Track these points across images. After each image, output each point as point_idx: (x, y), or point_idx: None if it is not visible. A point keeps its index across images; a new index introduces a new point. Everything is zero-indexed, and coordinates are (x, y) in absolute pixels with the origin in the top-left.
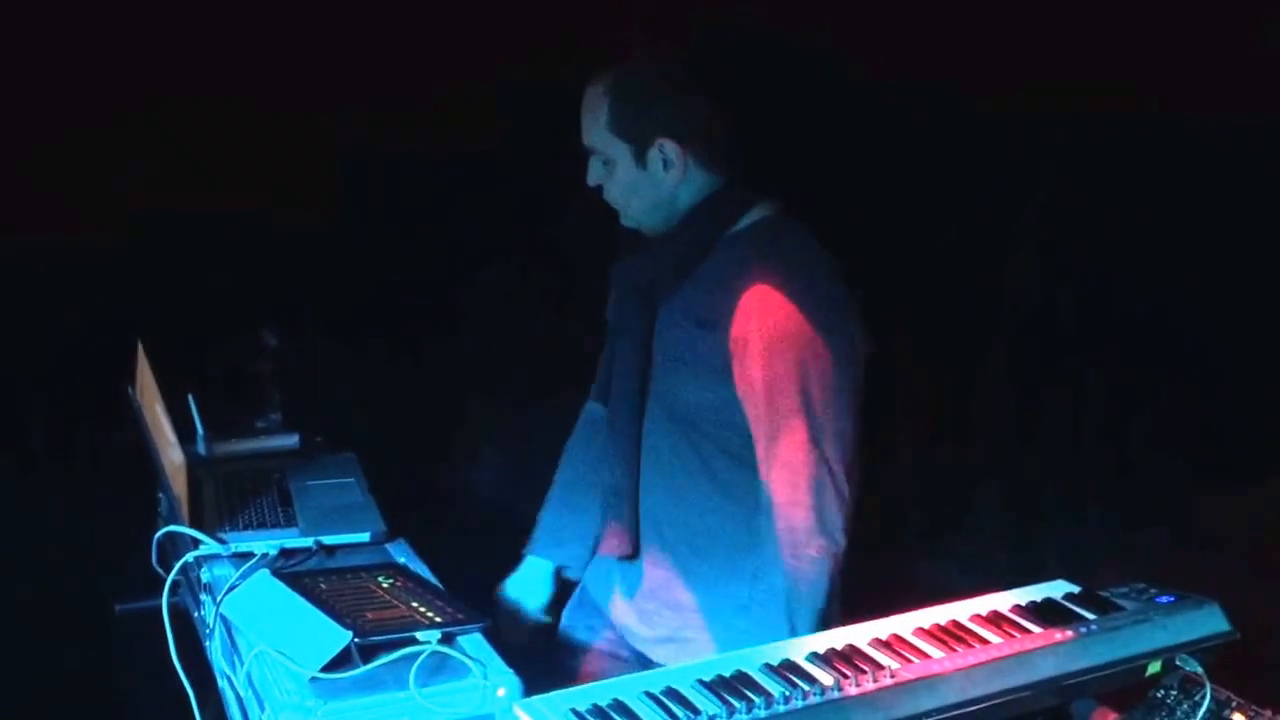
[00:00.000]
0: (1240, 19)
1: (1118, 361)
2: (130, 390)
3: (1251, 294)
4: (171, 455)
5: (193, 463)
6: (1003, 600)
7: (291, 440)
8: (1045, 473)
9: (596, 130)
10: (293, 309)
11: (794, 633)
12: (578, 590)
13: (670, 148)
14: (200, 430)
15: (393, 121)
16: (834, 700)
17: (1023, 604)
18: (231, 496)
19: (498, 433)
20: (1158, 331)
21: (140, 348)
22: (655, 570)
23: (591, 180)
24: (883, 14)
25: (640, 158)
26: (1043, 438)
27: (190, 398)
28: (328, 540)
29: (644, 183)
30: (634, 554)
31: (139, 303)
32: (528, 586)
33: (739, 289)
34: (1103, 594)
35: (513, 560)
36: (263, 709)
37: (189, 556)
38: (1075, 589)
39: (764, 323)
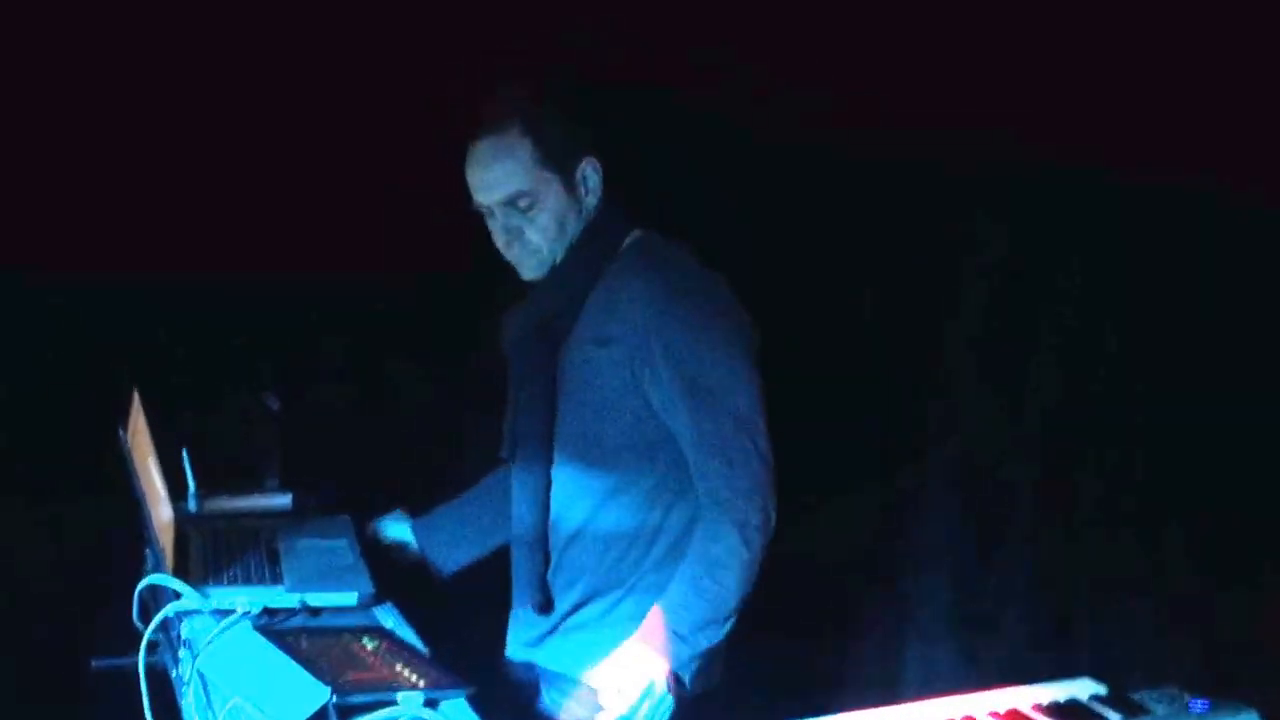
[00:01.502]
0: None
1: (1150, 459)
2: (121, 432)
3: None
4: (161, 511)
5: (181, 518)
6: (1023, 696)
7: (284, 500)
8: (1076, 567)
9: (519, 172)
10: (294, 367)
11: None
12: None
13: (593, 166)
14: (192, 487)
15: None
16: None
17: (1044, 703)
18: (218, 552)
19: None
20: (1189, 432)
21: (136, 395)
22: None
23: (506, 237)
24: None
25: (570, 184)
26: (1074, 532)
27: (185, 453)
28: (313, 600)
29: (572, 210)
30: (547, 605)
31: (136, 348)
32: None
33: (631, 301)
34: (1132, 697)
35: (501, 627)
36: None
37: (169, 610)
38: (1103, 689)
39: (661, 325)
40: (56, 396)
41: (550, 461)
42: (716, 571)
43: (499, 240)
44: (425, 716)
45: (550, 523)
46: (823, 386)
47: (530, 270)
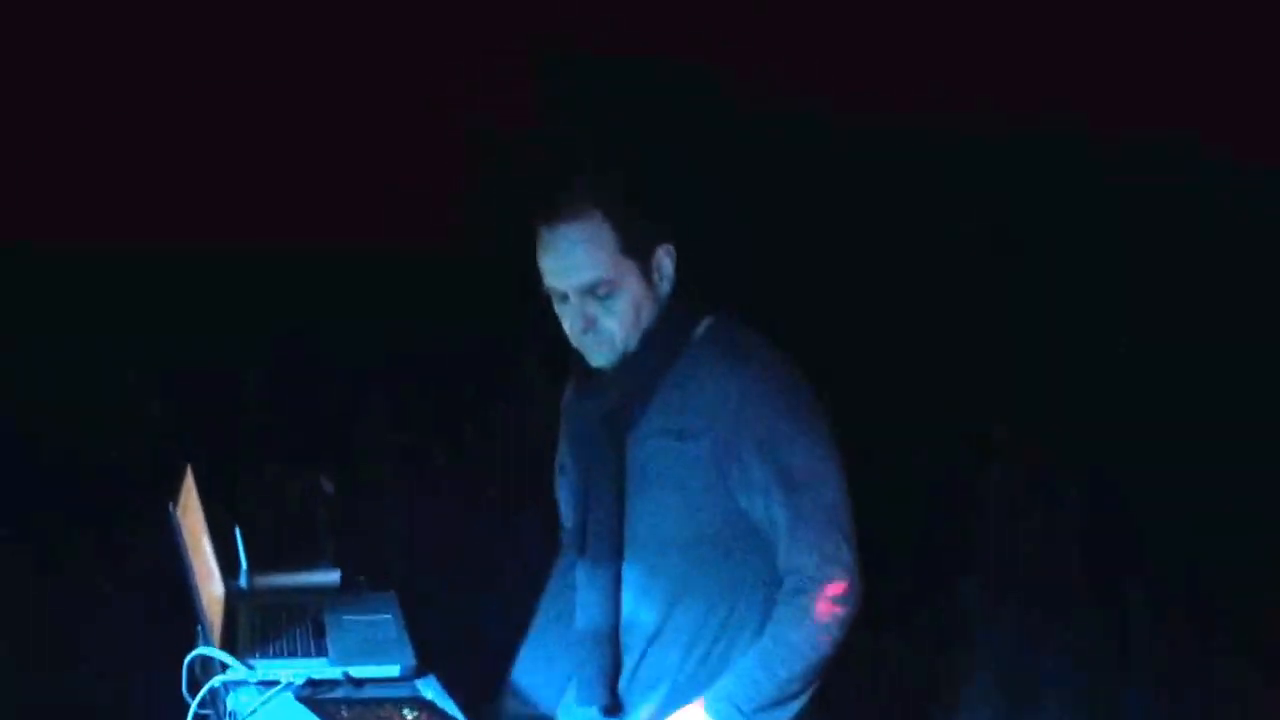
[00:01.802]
0: None
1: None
2: (171, 508)
3: None
4: (212, 587)
5: (232, 594)
6: None
7: (333, 577)
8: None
9: (601, 259)
10: (347, 447)
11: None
12: None
13: (668, 252)
14: (244, 565)
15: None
16: None
17: None
18: (266, 627)
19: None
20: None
21: (189, 472)
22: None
23: (582, 324)
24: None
25: (647, 271)
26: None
27: (237, 531)
28: (356, 671)
29: (648, 298)
30: (616, 708)
31: (189, 425)
32: None
33: (716, 395)
34: None
35: None
36: None
37: (216, 682)
38: None
39: (751, 421)
40: (109, 471)
41: (622, 557)
42: (793, 659)
43: (571, 326)
44: None
45: (625, 623)
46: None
47: (601, 358)
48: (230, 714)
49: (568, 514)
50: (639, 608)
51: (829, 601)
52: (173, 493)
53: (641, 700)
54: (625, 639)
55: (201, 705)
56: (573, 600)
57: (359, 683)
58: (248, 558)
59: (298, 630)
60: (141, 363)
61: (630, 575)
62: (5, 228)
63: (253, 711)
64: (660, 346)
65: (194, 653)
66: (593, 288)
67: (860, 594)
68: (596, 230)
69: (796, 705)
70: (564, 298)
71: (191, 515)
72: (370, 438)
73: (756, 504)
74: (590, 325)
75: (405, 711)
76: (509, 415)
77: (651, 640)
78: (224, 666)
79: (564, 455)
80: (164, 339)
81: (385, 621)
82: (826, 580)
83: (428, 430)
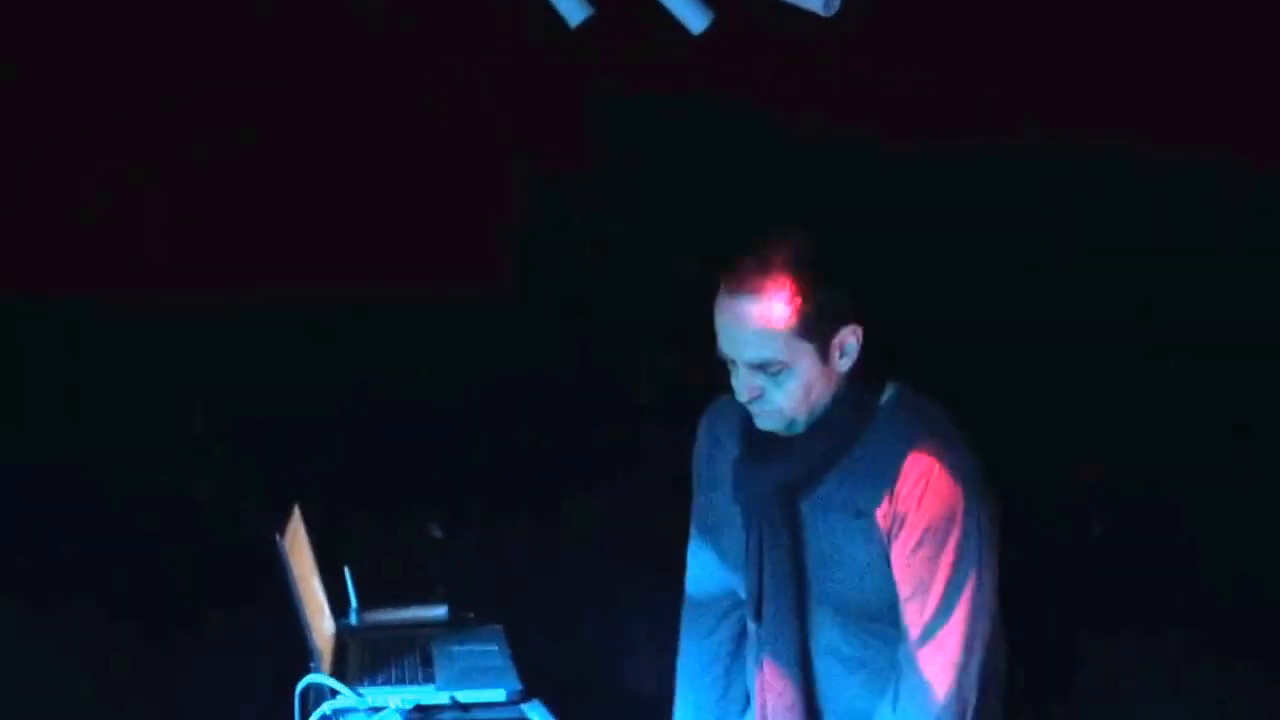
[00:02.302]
0: None
1: None
2: (278, 538)
3: None
4: (323, 623)
5: (342, 629)
6: None
7: (440, 611)
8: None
9: (774, 342)
10: (454, 490)
11: None
12: None
13: (854, 333)
14: (354, 603)
15: None
16: None
17: None
18: (375, 657)
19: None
20: None
21: (297, 510)
22: None
23: (748, 395)
24: None
25: (825, 354)
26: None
27: (347, 571)
28: (463, 697)
29: (823, 378)
30: None
31: (299, 462)
32: None
33: (894, 473)
34: None
35: None
36: None
37: (326, 708)
38: None
39: (929, 503)
40: (221, 510)
41: (805, 626)
42: None
43: (740, 393)
44: None
45: (811, 684)
46: None
47: (766, 423)
48: None
49: (703, 576)
50: (825, 682)
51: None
52: (280, 527)
53: None
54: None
55: None
56: (728, 666)
57: (465, 707)
58: (357, 596)
59: (405, 660)
60: (246, 411)
61: (814, 646)
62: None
63: None
64: (844, 422)
65: (305, 680)
66: (762, 365)
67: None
68: (775, 310)
69: None
70: (734, 364)
71: (300, 552)
72: (477, 480)
73: (902, 585)
74: (756, 397)
75: None
76: (618, 454)
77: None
78: (333, 693)
79: (719, 509)
80: (268, 387)
81: (491, 652)
82: (938, 693)
83: (534, 469)
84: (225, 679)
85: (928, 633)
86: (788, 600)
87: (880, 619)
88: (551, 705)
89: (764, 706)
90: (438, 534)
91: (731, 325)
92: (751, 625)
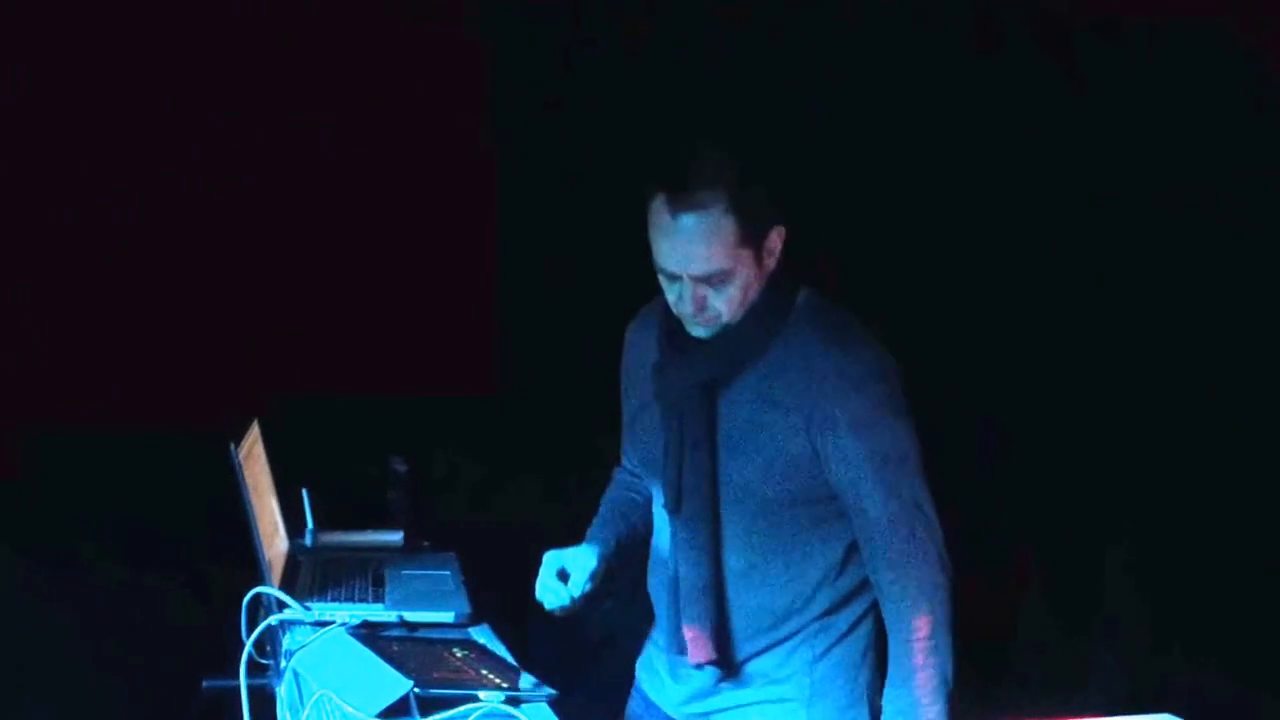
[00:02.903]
0: None
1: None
2: (233, 446)
3: None
4: (276, 543)
5: (295, 548)
6: None
7: (396, 537)
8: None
9: (720, 252)
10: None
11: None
12: (633, 691)
13: (779, 233)
14: (310, 524)
15: None
16: None
17: None
18: (326, 576)
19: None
20: None
21: (256, 425)
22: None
23: (691, 308)
24: None
25: (759, 256)
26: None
27: (305, 493)
28: (411, 616)
29: (757, 279)
30: (721, 661)
31: (261, 381)
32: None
33: (813, 367)
34: None
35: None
36: None
37: (273, 619)
38: None
39: (849, 402)
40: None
41: (719, 517)
42: (933, 649)
43: (679, 305)
44: (506, 712)
45: (723, 576)
46: None
47: (703, 333)
48: (285, 653)
49: (642, 470)
50: (734, 562)
51: (930, 586)
52: (236, 436)
53: (739, 647)
54: (726, 591)
55: (257, 645)
56: (637, 505)
57: (413, 626)
58: (314, 518)
59: (357, 580)
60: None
61: (725, 533)
62: None
63: (305, 645)
64: (763, 320)
65: (252, 591)
66: (708, 277)
67: (950, 569)
68: (719, 222)
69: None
70: (673, 279)
71: (256, 467)
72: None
73: (847, 483)
74: (700, 308)
75: (456, 650)
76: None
77: (746, 591)
78: (281, 606)
79: (639, 414)
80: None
81: (444, 576)
82: (924, 571)
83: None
84: (173, 587)
85: (895, 515)
86: (704, 492)
87: (780, 516)
88: (501, 632)
89: (676, 598)
90: (401, 469)
91: (678, 242)
92: (665, 519)
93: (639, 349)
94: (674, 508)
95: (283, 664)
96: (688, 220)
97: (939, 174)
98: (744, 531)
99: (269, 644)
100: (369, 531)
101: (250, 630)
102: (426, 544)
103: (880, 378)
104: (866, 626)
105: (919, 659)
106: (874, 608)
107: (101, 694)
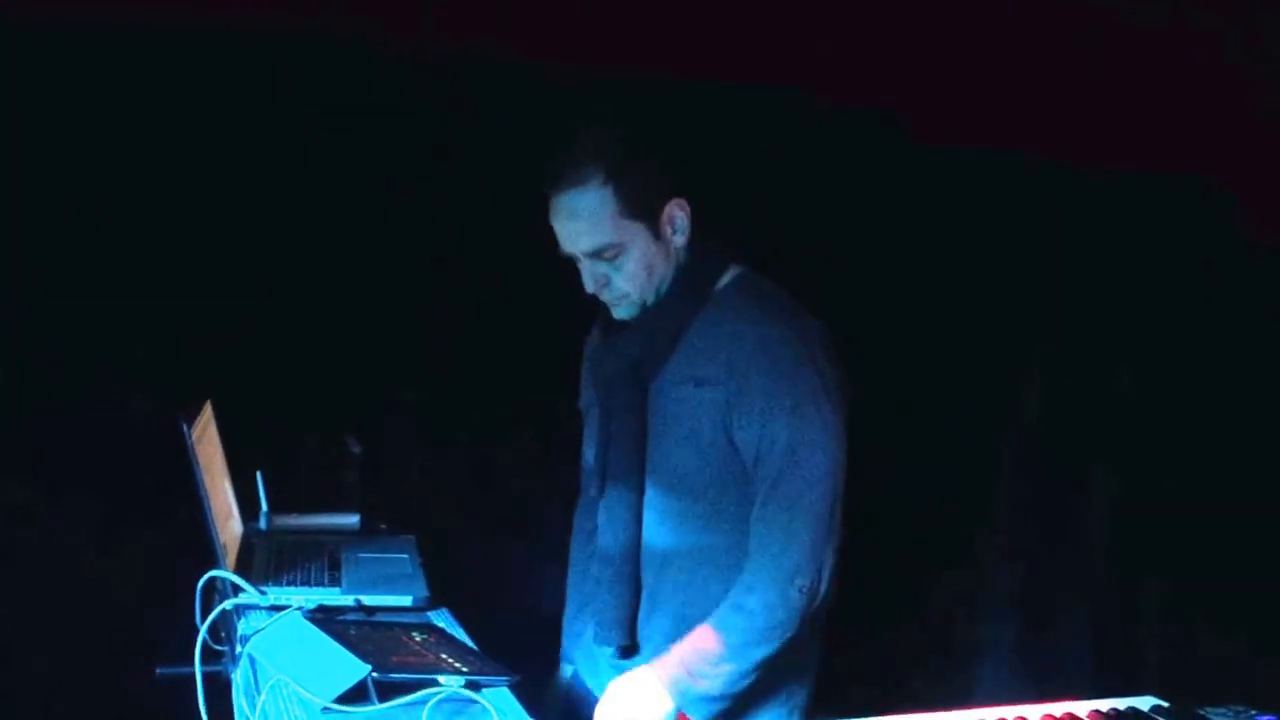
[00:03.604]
0: None
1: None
2: (185, 426)
3: None
4: (230, 525)
5: (250, 532)
6: (1082, 708)
7: (352, 520)
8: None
9: (603, 226)
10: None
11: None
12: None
13: (679, 206)
14: (264, 507)
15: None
16: None
17: (1104, 710)
18: (281, 560)
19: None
20: None
21: (209, 406)
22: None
23: (595, 285)
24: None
25: (656, 230)
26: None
27: (259, 475)
28: (369, 600)
29: (660, 255)
30: (630, 644)
31: (214, 360)
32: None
33: (733, 346)
34: (1197, 711)
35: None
36: None
37: (228, 604)
38: (1165, 704)
39: (761, 377)
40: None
41: (641, 491)
42: (744, 623)
43: (588, 285)
44: (466, 695)
45: (642, 550)
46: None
47: (622, 312)
48: (240, 638)
49: (589, 455)
50: (654, 537)
51: (788, 570)
52: (188, 416)
53: (648, 623)
54: (643, 564)
55: (211, 630)
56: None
57: (370, 610)
58: (268, 501)
59: (313, 564)
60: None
61: (648, 509)
62: None
63: (261, 630)
64: (684, 296)
65: (207, 575)
66: (599, 252)
67: (827, 570)
68: (598, 196)
69: (756, 675)
70: (577, 259)
71: (209, 448)
72: (396, 395)
73: (749, 455)
74: (604, 285)
75: (414, 634)
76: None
77: (664, 565)
78: (236, 590)
79: (586, 399)
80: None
81: (402, 560)
82: (790, 552)
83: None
84: (126, 571)
85: (777, 487)
86: (629, 468)
87: (712, 488)
88: (460, 615)
89: (600, 563)
90: (355, 449)
91: (562, 221)
92: (598, 495)
93: (594, 348)
94: (600, 488)
95: (238, 649)
96: (565, 197)
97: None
98: (674, 521)
99: (224, 629)
100: (325, 514)
101: (205, 615)
102: (384, 527)
103: (802, 359)
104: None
105: (724, 631)
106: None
107: (52, 682)
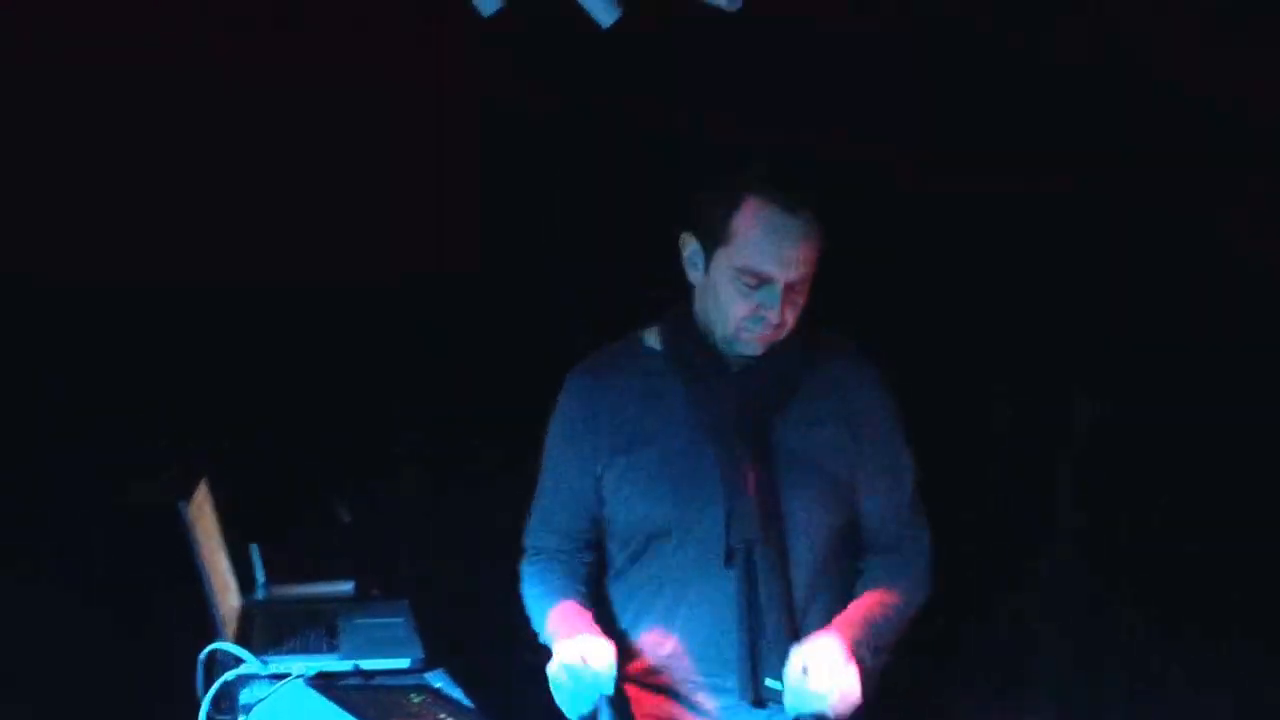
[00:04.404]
0: None
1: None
2: (182, 505)
3: None
4: (228, 598)
5: (248, 603)
6: None
7: (347, 586)
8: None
9: (815, 256)
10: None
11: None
12: None
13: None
14: (261, 579)
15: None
16: None
17: None
18: (280, 629)
19: None
20: None
21: (204, 483)
22: None
23: (777, 319)
24: None
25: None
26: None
27: (255, 549)
28: (366, 664)
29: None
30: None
31: (206, 437)
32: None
33: (853, 386)
34: None
35: None
36: None
37: (229, 675)
38: None
39: (875, 410)
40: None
41: (786, 553)
42: (906, 612)
43: (765, 313)
44: None
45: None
46: None
47: (760, 349)
48: (243, 708)
49: (632, 527)
50: (806, 600)
51: (931, 570)
52: (185, 493)
53: None
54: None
55: (215, 702)
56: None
57: (369, 674)
58: (264, 572)
59: (311, 631)
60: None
61: (796, 569)
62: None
63: (263, 699)
64: (805, 339)
65: (209, 648)
66: (802, 282)
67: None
68: (819, 226)
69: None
70: (765, 283)
71: (205, 523)
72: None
73: (868, 484)
74: (786, 316)
75: (412, 696)
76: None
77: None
78: (237, 661)
79: (625, 470)
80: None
81: (397, 624)
82: (928, 555)
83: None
84: (129, 647)
85: (911, 521)
86: (775, 526)
87: (840, 530)
88: (456, 676)
89: (753, 649)
90: (345, 518)
91: (785, 243)
92: (690, 569)
93: (606, 397)
94: (725, 556)
95: (240, 718)
96: (799, 220)
97: None
98: (808, 568)
99: (226, 700)
100: (320, 582)
101: (207, 687)
102: (377, 592)
103: (887, 383)
104: None
105: (899, 616)
106: None
107: None
